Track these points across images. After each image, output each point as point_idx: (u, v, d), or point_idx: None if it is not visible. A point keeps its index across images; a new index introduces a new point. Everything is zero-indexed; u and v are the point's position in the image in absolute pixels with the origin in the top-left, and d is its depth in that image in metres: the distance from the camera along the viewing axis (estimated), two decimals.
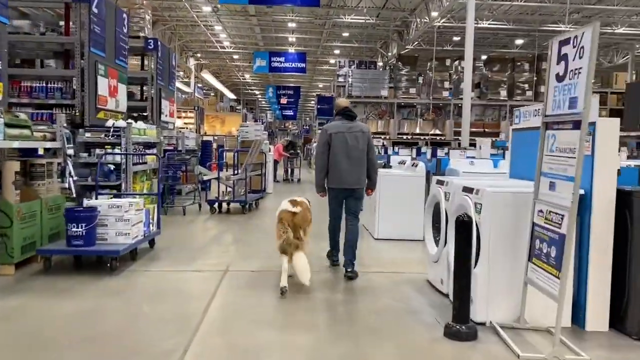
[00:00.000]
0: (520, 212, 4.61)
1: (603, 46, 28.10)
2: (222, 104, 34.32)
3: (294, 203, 5.81)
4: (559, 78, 4.35)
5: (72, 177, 7.23)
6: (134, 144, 10.35)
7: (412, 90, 24.38)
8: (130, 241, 6.49)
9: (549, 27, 24.16)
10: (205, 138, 19.05)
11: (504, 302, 4.64)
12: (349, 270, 6.15)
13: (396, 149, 14.03)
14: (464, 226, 4.28)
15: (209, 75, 30.25)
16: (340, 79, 26.57)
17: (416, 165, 8.58)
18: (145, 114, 14.00)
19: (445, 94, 24.34)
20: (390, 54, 28.48)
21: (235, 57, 31.90)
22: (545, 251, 4.25)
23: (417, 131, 24.70)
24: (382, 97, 24.19)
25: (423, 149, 15.63)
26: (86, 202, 6.60)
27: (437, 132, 24.89)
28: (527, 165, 5.65)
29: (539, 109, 5.60)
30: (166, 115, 14.97)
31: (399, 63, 24.61)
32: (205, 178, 10.66)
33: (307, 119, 52.62)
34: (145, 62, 14.72)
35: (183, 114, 31.64)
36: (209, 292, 5.53)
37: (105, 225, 6.42)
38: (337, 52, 29.91)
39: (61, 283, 5.72)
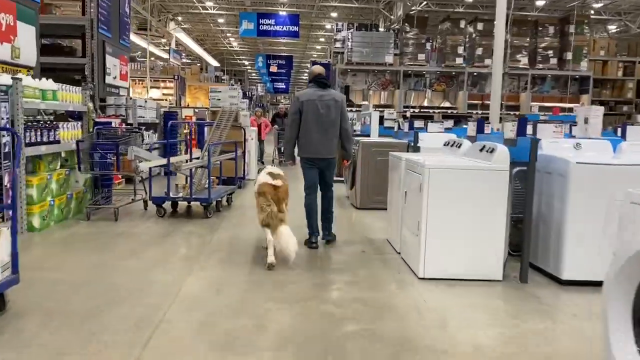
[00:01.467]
0: None
1: (634, 8, 24.12)
2: (206, 74, 30.17)
3: (273, 176, 5.39)
4: None
5: None
6: (32, 115, 6.50)
7: (421, 57, 20.40)
8: None
9: None
10: (169, 109, 14.89)
11: None
12: (326, 233, 6.02)
13: (418, 123, 10.28)
14: None
15: (187, 37, 25.94)
16: (338, 45, 22.51)
17: (492, 150, 4.74)
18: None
19: (459, 60, 20.38)
20: (394, 17, 24.37)
21: (220, 20, 27.64)
22: None
23: (425, 104, 20.88)
24: (387, 64, 20.23)
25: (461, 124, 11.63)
26: None
27: (448, 104, 21.10)
28: None
29: None
30: (115, 77, 10.95)
31: (406, 25, 20.55)
32: (143, 166, 6.74)
33: (301, 90, 48.50)
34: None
35: (162, 84, 27.57)
36: None
37: None
38: (334, 14, 25.74)
39: None
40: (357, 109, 18.85)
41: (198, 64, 33.72)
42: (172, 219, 7.27)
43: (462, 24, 20.45)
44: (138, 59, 28.54)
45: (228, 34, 31.54)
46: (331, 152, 5.88)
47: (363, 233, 6.77)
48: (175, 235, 6.33)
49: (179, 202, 7.59)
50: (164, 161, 7.16)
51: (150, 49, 23.19)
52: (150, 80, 26.69)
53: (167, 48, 29.20)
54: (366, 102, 20.42)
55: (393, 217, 5.96)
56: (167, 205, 7.58)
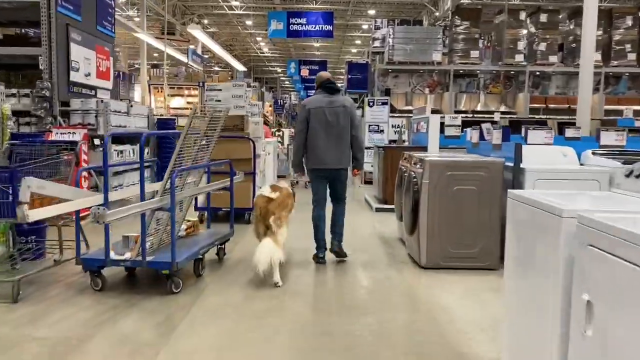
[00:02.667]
0: None
1: None
2: (235, 81, 27.39)
3: (274, 188, 4.86)
4: None
5: None
6: None
7: (474, 55, 17.02)
8: None
9: None
10: (167, 115, 11.83)
11: None
12: (336, 250, 5.36)
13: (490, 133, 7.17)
14: None
15: (210, 40, 23.06)
16: (377, 44, 19.35)
17: None
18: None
19: (519, 58, 16.95)
20: (440, 11, 21.04)
21: (248, 22, 24.80)
22: None
23: (479, 108, 17.45)
24: (434, 62, 16.96)
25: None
26: None
27: (505, 108, 17.65)
28: None
29: None
30: (88, 75, 8.00)
31: (456, 18, 17.20)
32: (38, 214, 3.69)
33: None
34: None
35: (185, 92, 24.90)
36: None
37: None
38: (371, 12, 22.56)
39: None
40: (400, 114, 15.62)
41: (229, 72, 31.04)
42: (115, 294, 4.16)
43: (522, 16, 16.98)
44: (165, 67, 25.98)
45: (258, 38, 28.70)
46: (341, 163, 5.32)
47: (444, 337, 3.49)
48: (88, 352, 3.20)
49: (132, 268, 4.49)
50: (87, 202, 4.07)
51: (170, 52, 20.40)
52: (174, 88, 24.07)
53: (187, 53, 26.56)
54: (413, 106, 17.17)
55: (525, 322, 2.69)
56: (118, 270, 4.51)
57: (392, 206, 7.31)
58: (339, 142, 5.23)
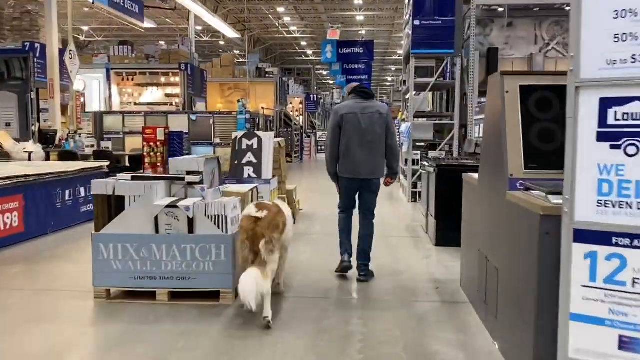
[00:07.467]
0: None
1: None
2: (245, 67, 18.82)
3: (261, 207, 3.87)
4: None
5: None
6: None
7: None
8: None
9: None
10: None
11: None
12: (362, 274, 4.73)
13: None
14: None
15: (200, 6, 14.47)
16: None
17: None
18: None
19: None
20: None
21: None
22: None
23: None
24: None
25: None
26: None
27: None
28: None
29: None
30: None
31: None
32: None
33: (385, 97, 35.69)
34: None
35: (163, 79, 16.39)
36: None
37: None
38: None
39: None
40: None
41: (241, 52, 22.29)
42: None
43: None
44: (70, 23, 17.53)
45: (279, 9, 19.86)
46: (374, 172, 4.72)
47: None
48: None
49: None
50: None
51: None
52: (145, 74, 15.58)
53: (182, 32, 17.89)
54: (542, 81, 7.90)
55: None
56: None
57: None
58: (373, 151, 4.70)
